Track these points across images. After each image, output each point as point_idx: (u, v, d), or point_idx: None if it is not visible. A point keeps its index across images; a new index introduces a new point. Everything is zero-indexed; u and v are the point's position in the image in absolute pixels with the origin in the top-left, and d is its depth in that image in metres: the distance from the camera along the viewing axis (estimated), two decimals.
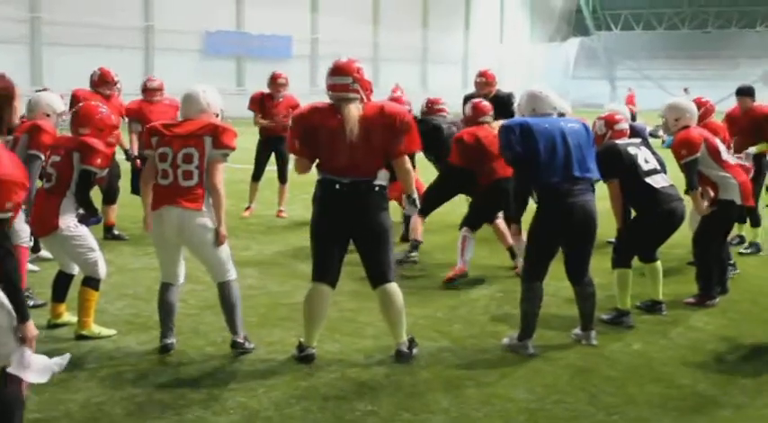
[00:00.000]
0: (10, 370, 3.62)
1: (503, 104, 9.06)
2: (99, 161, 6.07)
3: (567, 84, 55.79)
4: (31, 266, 7.95)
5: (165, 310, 5.80)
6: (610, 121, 6.94)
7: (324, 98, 5.61)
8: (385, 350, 5.81)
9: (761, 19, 58.11)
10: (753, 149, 8.99)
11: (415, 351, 5.73)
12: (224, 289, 5.74)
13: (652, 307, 6.95)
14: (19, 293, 3.59)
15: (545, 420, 4.78)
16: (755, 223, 9.37)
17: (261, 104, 11.36)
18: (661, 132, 7.45)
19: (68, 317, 6.29)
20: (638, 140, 7.03)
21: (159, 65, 34.59)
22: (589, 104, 40.27)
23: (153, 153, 5.64)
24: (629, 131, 7.06)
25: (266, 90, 11.44)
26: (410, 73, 48.97)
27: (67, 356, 3.76)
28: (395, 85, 37.50)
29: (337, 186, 5.41)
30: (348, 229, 5.51)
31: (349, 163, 5.37)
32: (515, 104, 6.21)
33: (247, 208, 11.56)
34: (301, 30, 41.77)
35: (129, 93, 10.91)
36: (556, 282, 7.99)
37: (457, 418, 4.79)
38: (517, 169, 6.03)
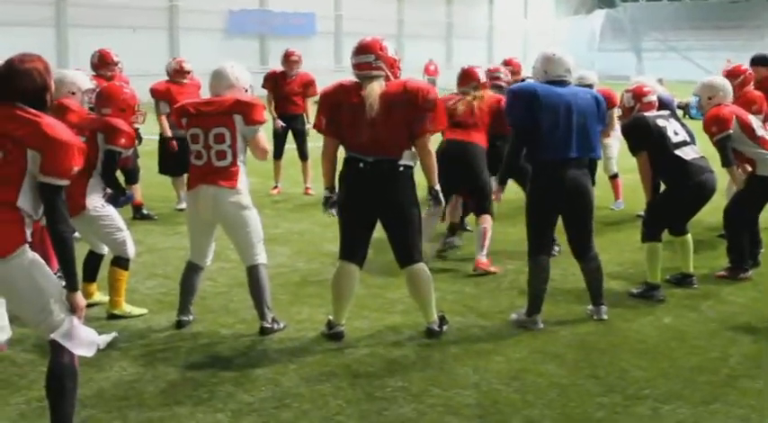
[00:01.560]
0: (56, 337, 3.70)
1: None
2: (123, 141, 6.09)
3: (592, 56, 55.25)
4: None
5: (186, 289, 5.91)
6: (638, 94, 6.86)
7: (348, 75, 5.61)
8: (414, 326, 5.82)
9: None
10: None
11: (445, 328, 5.73)
12: (253, 273, 5.77)
13: (683, 280, 6.90)
14: (72, 263, 3.76)
15: (576, 395, 4.77)
16: None
17: (274, 83, 11.36)
18: (694, 111, 7.36)
19: (100, 296, 6.35)
20: (666, 112, 6.96)
21: (184, 44, 34.64)
22: (615, 76, 39.89)
23: (185, 133, 5.74)
24: (657, 104, 6.98)
25: (282, 68, 11.42)
26: (435, 49, 48.68)
27: (114, 334, 3.84)
28: (428, 61, 37.01)
29: (361, 165, 5.39)
30: (373, 208, 5.49)
31: (371, 140, 5.34)
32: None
33: (274, 187, 11.58)
34: (325, 7, 41.64)
35: (154, 73, 10.92)
36: None
37: (487, 392, 4.79)
38: (515, 135, 5.96)
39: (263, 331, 5.72)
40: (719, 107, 7.11)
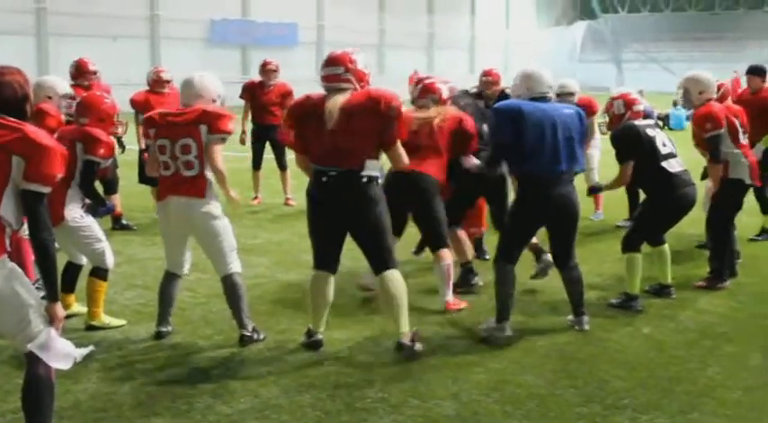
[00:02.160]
0: (32, 348, 3.67)
1: None
2: (102, 151, 6.09)
3: (574, 67, 55.43)
4: None
5: (164, 299, 5.90)
6: (628, 102, 6.86)
7: None
8: (394, 337, 5.81)
9: None
10: (761, 146, 8.71)
11: (417, 346, 5.53)
12: (227, 282, 5.74)
13: (661, 290, 6.94)
14: (54, 272, 3.76)
15: (555, 405, 4.78)
16: (766, 210, 9.24)
17: (252, 93, 11.37)
18: (680, 106, 7.39)
19: (78, 307, 6.31)
20: (652, 122, 6.99)
21: (165, 54, 34.58)
22: (596, 87, 40.06)
23: (152, 144, 5.71)
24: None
25: (260, 78, 11.44)
26: (416, 59, 48.78)
27: (91, 348, 3.82)
28: (413, 72, 37.35)
29: (324, 179, 5.36)
30: (340, 220, 5.48)
31: (331, 152, 5.31)
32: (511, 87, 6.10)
33: (255, 198, 11.56)
34: (307, 17, 41.66)
35: (135, 83, 10.90)
36: None
37: (467, 403, 4.79)
38: (496, 154, 6.02)
39: (243, 340, 5.69)
40: (711, 104, 7.15)
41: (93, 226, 6.11)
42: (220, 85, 5.90)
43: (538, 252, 7.08)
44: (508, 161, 5.92)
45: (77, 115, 6.31)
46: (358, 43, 43.69)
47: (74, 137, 6.08)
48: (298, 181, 11.66)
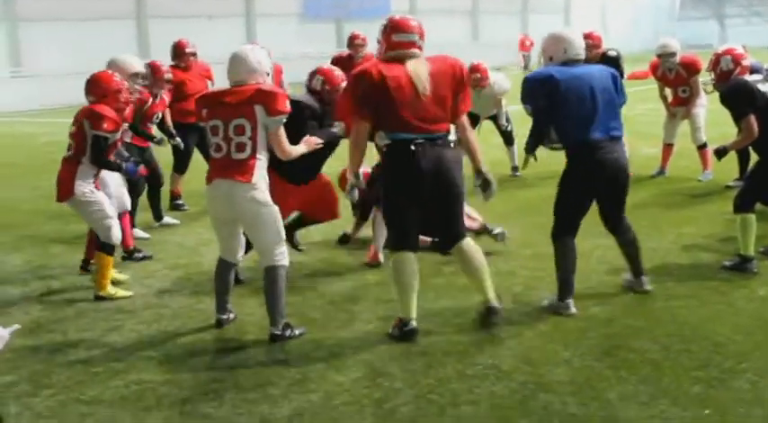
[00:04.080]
0: None
1: (613, 66, 8.86)
2: (106, 125, 6.32)
3: (673, 26, 54.06)
4: (141, 233, 8.26)
5: (220, 286, 5.69)
6: (736, 57, 6.64)
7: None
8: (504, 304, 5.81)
9: None
10: None
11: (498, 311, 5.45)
12: (269, 274, 5.40)
13: None
14: None
15: (670, 370, 4.69)
16: None
17: (341, 67, 11.34)
18: None
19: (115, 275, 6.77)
20: (761, 77, 6.73)
21: (261, 31, 34.97)
22: (697, 46, 38.90)
23: (205, 125, 5.46)
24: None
25: (346, 52, 11.45)
26: (511, 24, 48.23)
27: (16, 326, 3.42)
28: (523, 35, 36.21)
29: (413, 146, 5.12)
30: (426, 187, 5.19)
31: (422, 117, 5.14)
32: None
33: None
34: None
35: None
36: (675, 228, 7.86)
37: (579, 369, 4.75)
38: (536, 122, 5.76)
39: (273, 338, 5.38)
40: None
41: (103, 202, 6.46)
42: (270, 60, 5.61)
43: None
44: (543, 129, 5.69)
45: (85, 94, 6.54)
46: (451, 11, 43.44)
47: (81, 115, 6.42)
48: None
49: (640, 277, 5.99)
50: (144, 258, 7.52)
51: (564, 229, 5.76)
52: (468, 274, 5.50)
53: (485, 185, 5.39)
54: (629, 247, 5.97)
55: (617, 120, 5.68)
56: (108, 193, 6.84)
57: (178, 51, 9.89)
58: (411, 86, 5.11)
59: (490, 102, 10.76)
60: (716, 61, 6.72)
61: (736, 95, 6.39)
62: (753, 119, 6.32)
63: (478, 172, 5.37)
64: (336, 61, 11.47)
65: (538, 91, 5.61)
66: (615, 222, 5.91)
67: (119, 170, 6.67)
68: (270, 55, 10.29)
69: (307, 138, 5.74)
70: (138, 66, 7.73)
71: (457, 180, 5.25)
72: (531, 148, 5.99)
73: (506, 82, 10.92)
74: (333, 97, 6.38)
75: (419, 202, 5.24)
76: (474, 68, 10.29)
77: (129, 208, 7.58)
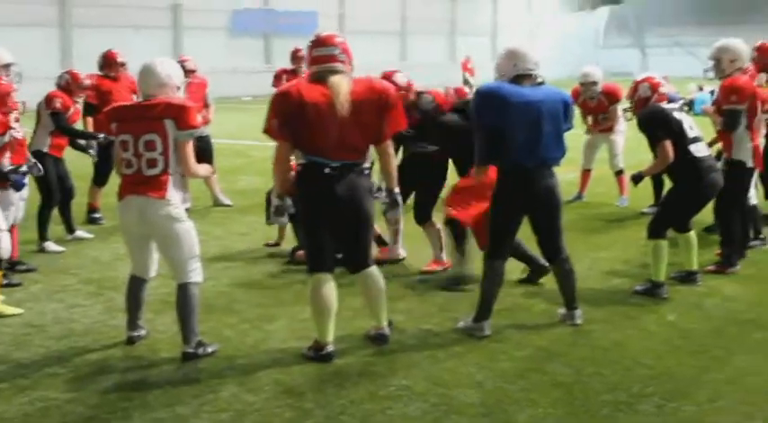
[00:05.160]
0: None
1: None
2: None
3: (597, 53, 55.18)
4: (54, 247, 8.11)
5: (132, 303, 5.55)
6: (654, 85, 6.77)
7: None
8: (418, 322, 5.81)
9: None
10: None
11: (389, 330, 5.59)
12: (183, 291, 5.29)
13: (687, 277, 6.88)
14: None
15: (581, 393, 4.75)
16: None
17: (284, 81, 11.36)
18: (711, 74, 7.23)
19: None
20: (677, 105, 6.89)
21: (188, 44, 34.64)
22: (620, 73, 39.79)
23: (115, 140, 5.31)
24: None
25: (291, 66, 11.42)
26: (438, 46, 48.70)
27: None
28: (465, 58, 36.47)
29: (327, 170, 5.06)
30: (337, 213, 5.15)
31: (339, 143, 5.04)
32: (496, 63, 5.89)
33: None
34: (328, 5, 41.58)
35: None
36: (592, 253, 8.00)
37: (491, 391, 4.78)
38: (477, 137, 5.67)
39: (185, 356, 5.27)
40: (740, 78, 7.08)
41: None
42: (181, 73, 5.50)
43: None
44: (487, 146, 5.59)
45: None
46: (380, 31, 43.66)
47: None
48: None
49: (573, 311, 5.97)
50: (28, 271, 7.34)
51: (495, 253, 5.76)
52: (367, 300, 5.50)
53: (392, 205, 5.36)
54: (565, 279, 5.94)
55: (559, 147, 5.67)
56: (10, 200, 6.68)
57: (108, 61, 9.77)
58: (331, 109, 5.00)
59: None
60: (635, 88, 6.88)
61: (653, 121, 6.52)
62: (668, 144, 6.44)
63: (390, 191, 5.32)
64: (279, 76, 11.43)
65: (488, 105, 5.55)
66: (552, 251, 5.89)
67: (12, 173, 6.49)
68: (196, 68, 10.48)
69: (206, 166, 5.66)
70: (8, 57, 7.37)
71: (369, 210, 5.23)
72: (482, 163, 5.81)
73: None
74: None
75: (331, 225, 5.20)
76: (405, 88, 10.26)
77: (21, 221, 7.39)
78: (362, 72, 5.37)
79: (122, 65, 9.82)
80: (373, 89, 5.13)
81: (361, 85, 5.13)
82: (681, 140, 6.49)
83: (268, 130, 5.18)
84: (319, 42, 5.19)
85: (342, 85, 5.03)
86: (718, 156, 7.41)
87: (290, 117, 5.06)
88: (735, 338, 5.67)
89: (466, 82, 36.19)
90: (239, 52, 37.44)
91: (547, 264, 6.21)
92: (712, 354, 5.38)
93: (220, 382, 4.93)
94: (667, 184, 6.99)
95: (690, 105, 22.98)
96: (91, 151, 8.87)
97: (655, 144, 6.54)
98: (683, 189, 6.63)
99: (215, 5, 36.51)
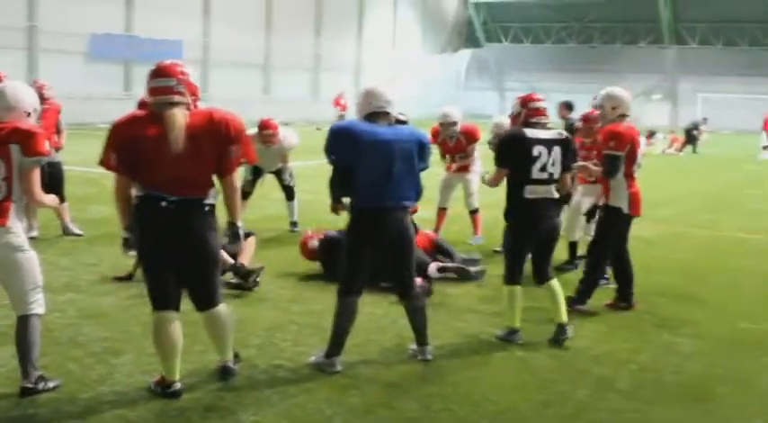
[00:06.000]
0: None
1: None
2: None
3: (459, 94, 56.61)
4: None
5: None
6: (527, 106, 6.60)
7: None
8: (270, 359, 5.75)
9: (643, 35, 60.17)
10: None
11: (237, 366, 5.52)
12: (23, 323, 5.06)
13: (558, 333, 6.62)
14: None
15: None
16: None
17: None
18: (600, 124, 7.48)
19: None
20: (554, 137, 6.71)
21: (44, 67, 33.57)
22: (479, 114, 40.88)
23: None
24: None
25: None
26: (302, 81, 48.88)
27: None
28: (339, 94, 36.42)
29: (163, 204, 4.87)
30: (176, 250, 4.97)
31: (176, 178, 4.85)
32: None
33: None
34: (192, 34, 41.12)
35: None
36: (447, 288, 8.07)
37: None
38: (336, 172, 5.74)
39: (24, 392, 5.03)
40: (621, 125, 7.25)
41: None
42: (36, 97, 5.27)
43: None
44: (343, 181, 5.63)
45: None
46: (244, 63, 43.49)
47: None
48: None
49: (424, 347, 5.99)
50: None
51: (348, 289, 5.73)
52: (213, 337, 5.37)
53: (233, 238, 5.25)
54: (417, 315, 5.95)
55: (412, 188, 5.69)
56: None
57: None
58: (166, 143, 4.78)
59: (277, 156, 10.84)
60: (494, 127, 7.04)
61: (501, 145, 6.54)
62: (502, 173, 6.45)
63: (232, 224, 5.20)
64: (142, 105, 11.14)
65: (339, 142, 5.57)
66: (404, 288, 5.90)
67: None
68: (52, 95, 10.13)
69: (52, 196, 5.41)
70: None
71: (210, 248, 5.05)
72: (336, 199, 5.87)
73: (295, 137, 11.06)
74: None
75: (173, 262, 5.02)
76: (264, 125, 10.38)
77: None
78: (224, 104, 5.30)
79: None
80: (212, 121, 4.92)
81: (200, 117, 4.92)
82: (524, 172, 6.33)
83: (104, 162, 4.97)
84: (157, 73, 4.95)
85: (176, 119, 4.80)
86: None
87: (126, 150, 4.88)
88: (579, 374, 5.85)
89: (341, 117, 36.57)
90: (97, 78, 36.50)
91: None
92: (557, 389, 5.54)
93: (60, 418, 4.74)
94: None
95: None
96: None
97: (497, 165, 6.51)
98: (512, 231, 6.54)
99: (73, 29, 35.48)
